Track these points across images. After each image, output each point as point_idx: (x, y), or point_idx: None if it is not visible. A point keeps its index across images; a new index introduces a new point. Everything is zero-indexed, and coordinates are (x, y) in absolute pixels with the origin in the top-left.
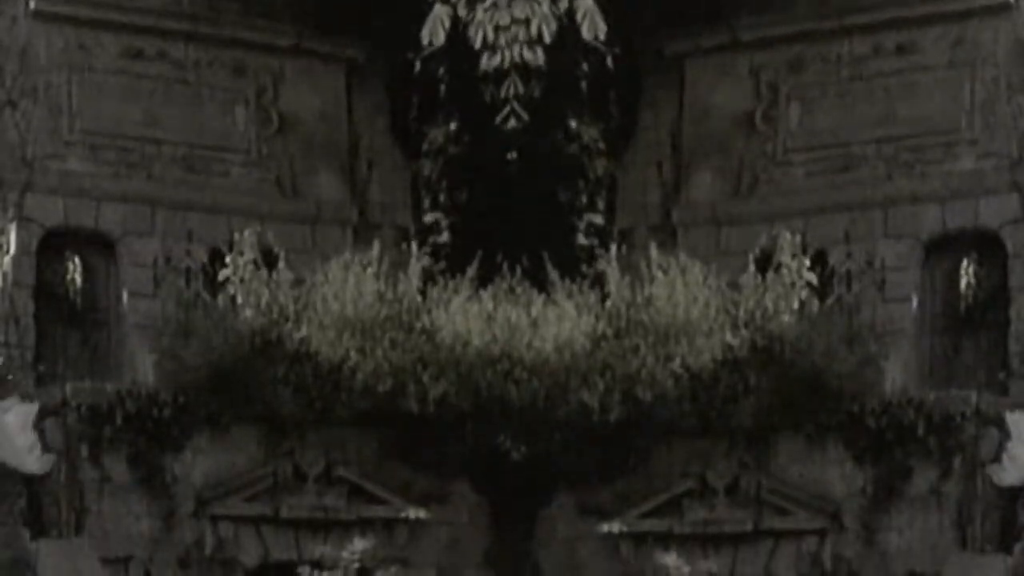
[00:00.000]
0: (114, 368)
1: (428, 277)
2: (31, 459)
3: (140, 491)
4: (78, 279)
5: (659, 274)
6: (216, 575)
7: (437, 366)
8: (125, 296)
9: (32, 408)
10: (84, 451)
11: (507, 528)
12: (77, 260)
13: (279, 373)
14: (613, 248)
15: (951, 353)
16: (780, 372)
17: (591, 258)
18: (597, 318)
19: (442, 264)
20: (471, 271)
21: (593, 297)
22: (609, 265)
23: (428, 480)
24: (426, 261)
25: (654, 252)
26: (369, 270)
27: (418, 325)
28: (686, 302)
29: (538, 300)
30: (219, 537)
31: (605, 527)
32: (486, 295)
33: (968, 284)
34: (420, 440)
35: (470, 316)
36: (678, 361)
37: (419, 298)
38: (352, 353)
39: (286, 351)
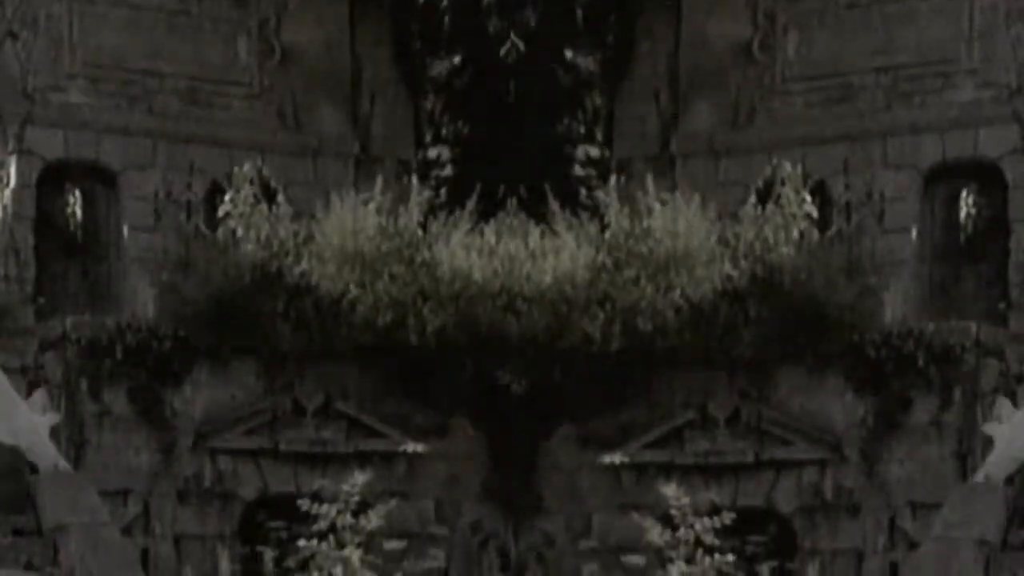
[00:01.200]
0: (114, 301)
1: (429, 211)
2: (47, 458)
3: (140, 425)
4: (78, 212)
5: (658, 205)
6: (215, 508)
7: (437, 299)
8: (125, 229)
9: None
10: (84, 385)
11: (506, 461)
12: (78, 193)
13: (279, 307)
14: (612, 179)
15: (951, 284)
16: (780, 303)
17: (590, 189)
18: (596, 249)
19: (443, 197)
20: (471, 204)
21: (592, 228)
22: (608, 196)
23: (427, 413)
24: (427, 194)
25: (651, 183)
26: (370, 204)
27: (419, 259)
28: (685, 233)
29: (536, 231)
30: (218, 470)
31: (606, 458)
32: (488, 229)
33: (967, 215)
34: (420, 374)
35: (471, 250)
36: (678, 292)
37: (420, 232)
38: (352, 287)
39: (286, 285)
